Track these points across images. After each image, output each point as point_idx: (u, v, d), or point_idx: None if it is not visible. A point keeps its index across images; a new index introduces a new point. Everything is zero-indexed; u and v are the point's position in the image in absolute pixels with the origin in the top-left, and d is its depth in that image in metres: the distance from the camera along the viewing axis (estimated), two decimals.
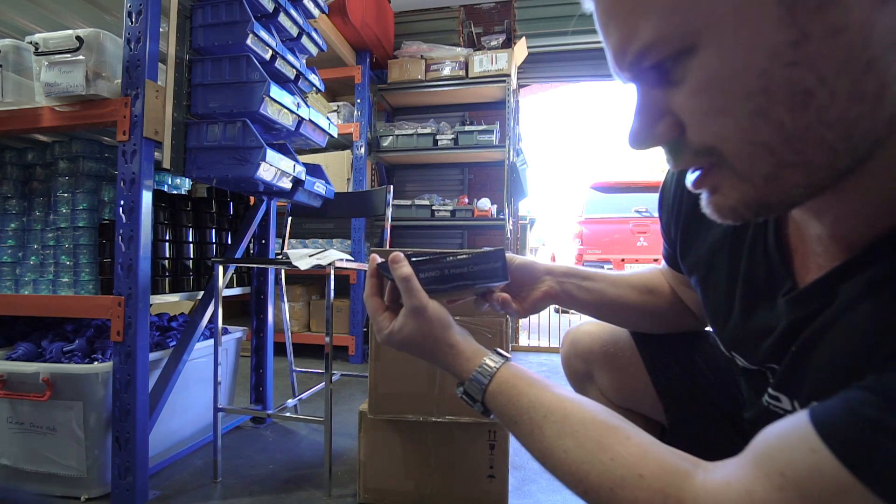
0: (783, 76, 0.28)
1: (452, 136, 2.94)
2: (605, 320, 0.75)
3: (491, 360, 0.50)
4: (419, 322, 0.52)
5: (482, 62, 2.90)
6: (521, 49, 3.03)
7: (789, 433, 0.31)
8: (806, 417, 0.30)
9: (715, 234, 0.53)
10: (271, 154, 1.20)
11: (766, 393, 0.48)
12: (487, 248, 0.57)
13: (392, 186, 1.83)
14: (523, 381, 0.48)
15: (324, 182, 1.56)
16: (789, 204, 0.34)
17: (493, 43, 3.21)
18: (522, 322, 3.60)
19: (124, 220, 1.12)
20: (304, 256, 1.31)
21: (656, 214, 0.67)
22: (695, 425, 0.70)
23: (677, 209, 0.58)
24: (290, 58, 1.35)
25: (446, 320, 0.53)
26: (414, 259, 0.53)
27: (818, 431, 0.29)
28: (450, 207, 2.96)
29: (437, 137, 2.95)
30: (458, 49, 3.04)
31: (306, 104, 1.37)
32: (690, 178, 0.37)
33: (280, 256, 1.40)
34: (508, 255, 0.63)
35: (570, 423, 0.43)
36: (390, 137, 2.99)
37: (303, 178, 1.40)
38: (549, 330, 3.61)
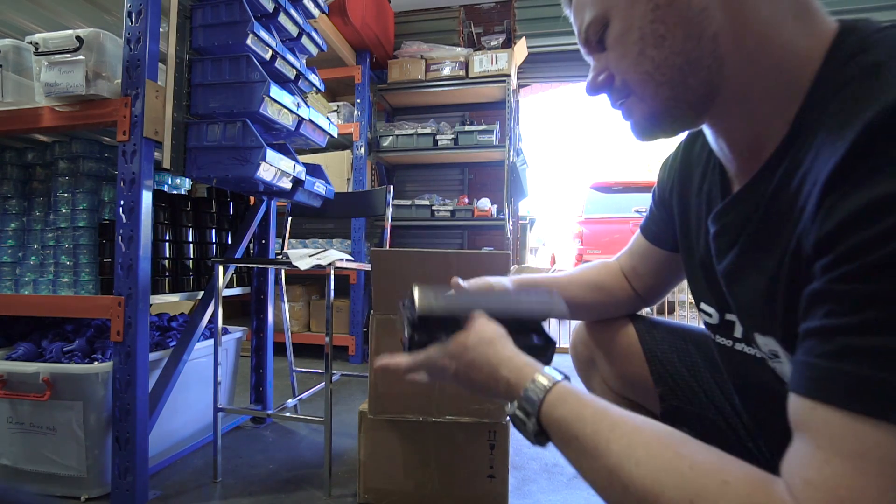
0: (648, 28, 0.46)
1: (452, 136, 2.94)
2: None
3: (548, 372, 0.48)
4: (473, 324, 0.54)
5: (482, 62, 2.90)
6: (521, 49, 3.03)
7: (793, 413, 0.35)
8: (790, 393, 0.35)
9: (696, 193, 0.61)
10: (271, 154, 1.20)
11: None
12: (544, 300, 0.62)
13: (392, 186, 1.83)
14: (585, 394, 0.45)
15: (324, 182, 1.56)
16: (670, 116, 0.49)
17: (493, 43, 3.21)
18: None
19: (124, 220, 1.12)
20: (304, 256, 1.31)
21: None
22: (687, 415, 0.73)
23: (674, 175, 0.67)
24: (290, 58, 1.35)
25: (503, 332, 0.54)
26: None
27: (806, 395, 0.34)
28: (450, 207, 2.96)
29: (437, 137, 2.95)
30: (458, 49, 3.04)
31: (306, 104, 1.37)
32: (620, 115, 0.53)
33: (280, 256, 1.40)
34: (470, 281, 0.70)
35: (642, 434, 0.39)
36: (390, 137, 2.99)
37: (303, 178, 1.40)
38: (548, 330, 3.60)
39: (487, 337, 0.53)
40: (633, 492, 0.37)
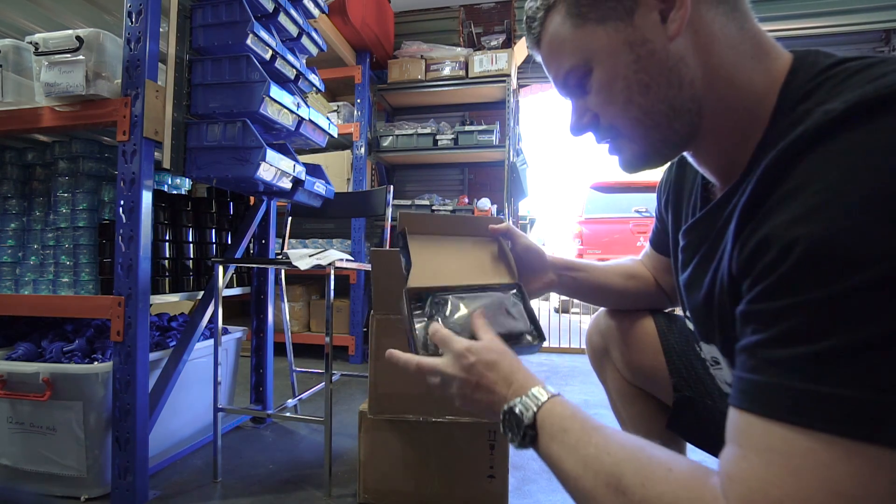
0: (633, 78, 0.49)
1: (452, 136, 2.94)
2: (595, 303, 0.89)
3: (550, 388, 0.52)
4: (497, 342, 0.57)
5: (482, 62, 2.90)
6: (521, 49, 3.03)
7: (728, 422, 0.39)
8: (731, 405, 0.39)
9: (685, 206, 0.65)
10: (271, 154, 1.20)
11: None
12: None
13: (392, 186, 1.83)
14: (578, 407, 0.49)
15: (324, 182, 1.56)
16: (658, 154, 0.53)
17: (493, 43, 3.21)
18: None
19: (124, 220, 1.12)
20: (304, 256, 1.31)
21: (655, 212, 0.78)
22: (699, 407, 0.74)
23: (670, 188, 0.71)
24: (290, 58, 1.35)
25: (507, 348, 0.57)
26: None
27: (737, 406, 0.38)
28: (450, 207, 2.96)
29: (437, 137, 2.95)
30: (458, 49, 3.04)
31: (306, 104, 1.37)
32: (605, 149, 0.57)
33: (280, 256, 1.40)
34: (517, 232, 0.77)
35: (618, 436, 0.45)
36: (390, 137, 2.99)
37: (303, 178, 1.40)
38: (548, 330, 3.61)
39: (510, 352, 0.56)
40: (602, 477, 0.42)
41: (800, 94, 0.43)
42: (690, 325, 0.64)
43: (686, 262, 0.58)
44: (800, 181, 0.36)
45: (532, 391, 0.51)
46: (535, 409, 0.49)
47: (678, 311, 0.81)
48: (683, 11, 0.46)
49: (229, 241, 1.76)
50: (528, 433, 0.49)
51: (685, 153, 0.56)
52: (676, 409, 0.77)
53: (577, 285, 0.82)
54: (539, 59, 0.57)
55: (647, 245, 0.85)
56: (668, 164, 0.74)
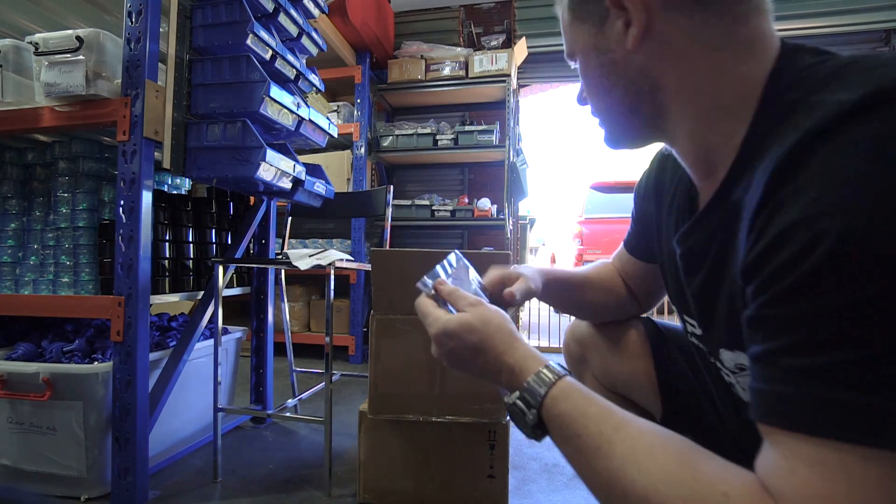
0: (600, 79, 0.53)
1: (452, 136, 2.94)
2: (573, 315, 0.87)
3: (554, 366, 0.47)
4: (481, 309, 0.52)
5: (482, 62, 2.90)
6: (521, 49, 3.03)
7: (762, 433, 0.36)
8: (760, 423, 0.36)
9: (667, 207, 0.64)
10: (271, 154, 1.20)
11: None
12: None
13: (392, 186, 1.83)
14: (590, 392, 0.44)
15: (324, 182, 1.56)
16: (628, 140, 0.56)
17: (493, 43, 3.21)
18: (523, 322, 3.60)
19: (124, 220, 1.12)
20: (304, 256, 1.31)
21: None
22: (687, 417, 0.73)
23: (651, 189, 0.71)
24: (290, 58, 1.35)
25: (506, 315, 0.53)
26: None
27: (763, 422, 0.35)
28: (450, 207, 2.96)
29: (437, 137, 2.95)
30: (458, 49, 3.04)
31: (306, 104, 1.37)
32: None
33: (280, 256, 1.40)
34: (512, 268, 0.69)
35: (646, 438, 0.39)
36: (390, 137, 2.99)
37: (303, 178, 1.40)
38: (549, 329, 3.61)
39: (495, 322, 0.51)
40: (632, 499, 0.37)
41: (788, 85, 0.41)
42: (697, 331, 0.61)
43: (692, 271, 0.54)
44: (824, 169, 0.33)
45: (527, 381, 0.46)
46: (536, 405, 0.45)
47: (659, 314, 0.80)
48: (637, 29, 0.47)
49: (229, 241, 1.76)
50: (537, 432, 0.46)
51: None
52: (666, 418, 0.75)
53: (562, 300, 0.79)
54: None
55: (621, 247, 0.82)
56: (648, 167, 0.74)
